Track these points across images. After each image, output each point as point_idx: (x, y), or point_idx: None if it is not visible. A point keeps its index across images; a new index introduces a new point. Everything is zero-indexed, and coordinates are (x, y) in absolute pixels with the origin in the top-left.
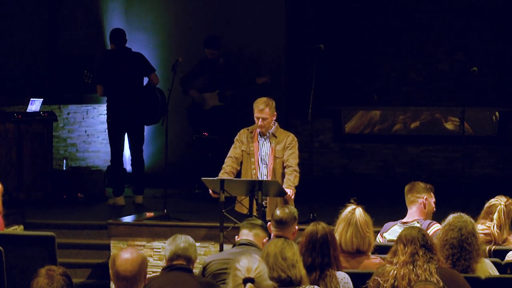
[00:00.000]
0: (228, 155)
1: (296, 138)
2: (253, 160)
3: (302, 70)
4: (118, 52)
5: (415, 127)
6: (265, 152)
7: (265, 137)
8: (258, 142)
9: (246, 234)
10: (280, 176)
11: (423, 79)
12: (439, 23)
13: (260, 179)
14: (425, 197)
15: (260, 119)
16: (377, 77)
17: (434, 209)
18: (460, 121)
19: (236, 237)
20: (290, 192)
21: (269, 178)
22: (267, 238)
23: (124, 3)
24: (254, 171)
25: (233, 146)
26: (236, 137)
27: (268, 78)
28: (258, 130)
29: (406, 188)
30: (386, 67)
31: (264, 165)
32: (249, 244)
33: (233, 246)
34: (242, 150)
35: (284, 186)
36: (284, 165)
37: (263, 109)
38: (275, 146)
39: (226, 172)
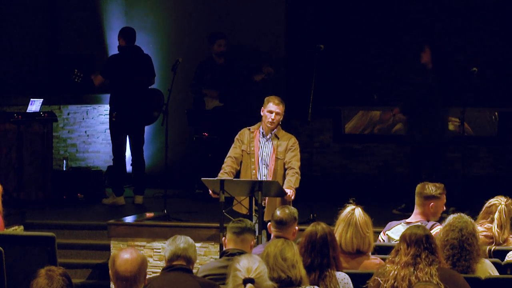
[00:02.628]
0: (227, 155)
1: (297, 141)
2: (253, 160)
3: (302, 70)
4: (130, 51)
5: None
6: (267, 152)
7: (267, 137)
8: (259, 142)
9: (234, 241)
10: (281, 178)
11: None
12: (439, 23)
13: (260, 179)
14: (437, 201)
15: (274, 113)
16: (377, 77)
17: (445, 207)
18: (460, 121)
19: (223, 238)
20: (290, 192)
21: (270, 178)
22: (255, 240)
23: (124, 3)
24: (254, 171)
25: (233, 145)
26: (237, 136)
27: (266, 72)
28: (260, 130)
29: (422, 191)
30: (386, 67)
31: (264, 166)
32: (239, 254)
33: (222, 255)
34: (242, 150)
35: (284, 186)
36: (286, 167)
37: (279, 104)
38: (276, 147)
39: (225, 172)
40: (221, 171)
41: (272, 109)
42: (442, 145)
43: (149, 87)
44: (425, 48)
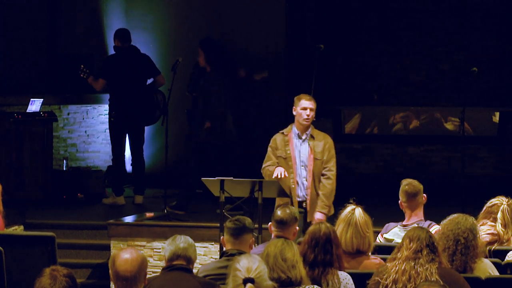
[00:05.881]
0: (265, 163)
1: (332, 141)
2: (290, 163)
3: (302, 70)
4: (127, 51)
5: (415, 127)
6: (304, 154)
7: (302, 138)
8: (295, 144)
9: (232, 243)
10: (319, 178)
11: (423, 79)
12: (439, 23)
13: (299, 182)
14: (424, 196)
15: (308, 109)
16: (377, 77)
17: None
18: (460, 121)
19: (222, 237)
20: (321, 216)
21: (309, 180)
22: (253, 239)
23: (124, 3)
24: (293, 174)
25: (267, 154)
26: (270, 143)
27: (267, 73)
28: (294, 132)
29: (409, 190)
30: (386, 67)
31: (303, 167)
32: (239, 254)
33: (221, 255)
34: (278, 156)
35: (316, 209)
36: (324, 170)
37: (311, 99)
38: (313, 147)
39: (272, 164)
40: (266, 166)
41: (305, 105)
42: (227, 145)
43: (158, 87)
44: (199, 51)
